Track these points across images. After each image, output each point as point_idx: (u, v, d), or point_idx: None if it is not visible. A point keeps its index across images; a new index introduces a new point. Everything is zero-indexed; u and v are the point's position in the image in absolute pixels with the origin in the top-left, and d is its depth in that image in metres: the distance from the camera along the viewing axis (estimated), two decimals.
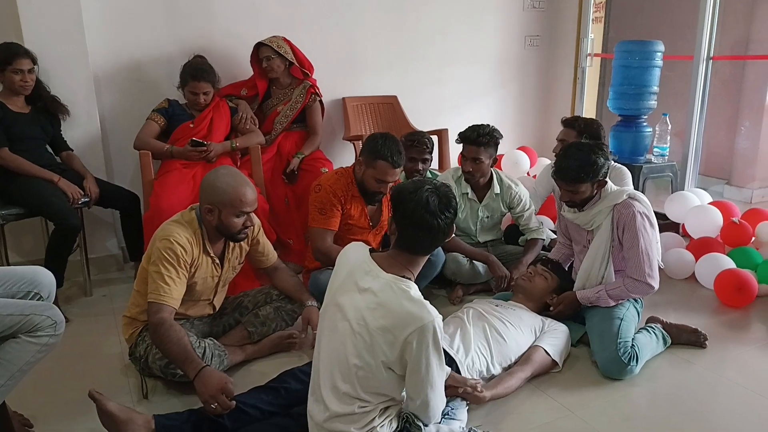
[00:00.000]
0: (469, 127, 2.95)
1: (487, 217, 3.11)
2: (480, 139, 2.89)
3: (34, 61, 2.83)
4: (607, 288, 2.39)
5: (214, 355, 2.17)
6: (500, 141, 2.98)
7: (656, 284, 2.38)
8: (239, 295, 2.54)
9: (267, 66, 3.40)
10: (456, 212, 1.67)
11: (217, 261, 2.25)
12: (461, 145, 2.97)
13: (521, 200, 3.07)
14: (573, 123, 3.00)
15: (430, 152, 3.17)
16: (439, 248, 2.75)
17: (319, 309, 2.33)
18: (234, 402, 1.85)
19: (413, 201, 1.61)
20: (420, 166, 3.12)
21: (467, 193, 3.06)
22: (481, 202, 3.07)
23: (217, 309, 2.42)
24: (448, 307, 2.87)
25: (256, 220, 2.35)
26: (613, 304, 2.40)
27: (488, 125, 2.94)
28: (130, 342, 2.24)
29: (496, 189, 3.05)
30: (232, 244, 2.30)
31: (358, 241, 2.72)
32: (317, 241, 2.69)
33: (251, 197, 2.14)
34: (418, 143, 3.10)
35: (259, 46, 3.40)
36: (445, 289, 3.07)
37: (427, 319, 1.53)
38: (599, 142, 2.49)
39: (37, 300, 1.81)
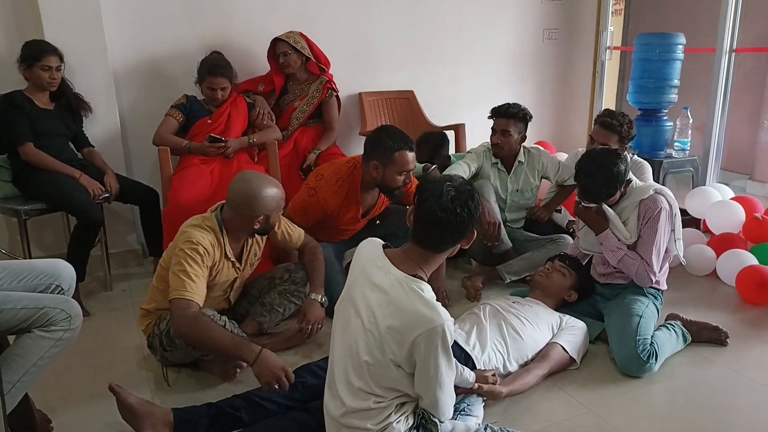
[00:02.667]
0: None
1: (517, 190, 3.15)
2: (509, 110, 3.02)
3: (61, 58, 2.87)
4: (627, 253, 2.39)
5: (233, 332, 2.17)
6: (530, 119, 3.09)
7: (655, 279, 2.41)
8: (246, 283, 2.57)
9: (284, 61, 3.40)
10: (472, 214, 1.62)
11: (238, 264, 2.28)
12: (493, 121, 3.08)
13: (552, 167, 3.16)
14: (617, 128, 2.81)
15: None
16: None
17: (321, 303, 2.38)
18: (291, 381, 1.91)
19: (429, 191, 1.61)
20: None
21: (497, 163, 3.15)
22: (509, 174, 3.14)
23: (232, 303, 2.44)
24: (465, 304, 2.86)
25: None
26: (614, 262, 2.41)
27: (518, 103, 3.08)
28: (147, 332, 2.27)
29: (522, 158, 3.14)
30: (250, 242, 2.33)
31: (344, 228, 2.81)
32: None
33: (283, 193, 2.27)
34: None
35: (276, 41, 3.40)
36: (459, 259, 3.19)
37: (437, 321, 1.51)
38: (614, 149, 2.46)
39: (58, 292, 1.81)
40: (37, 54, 2.80)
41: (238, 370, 2.12)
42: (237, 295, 2.45)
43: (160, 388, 2.19)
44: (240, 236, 2.25)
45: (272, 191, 2.19)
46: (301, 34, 3.45)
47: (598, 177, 2.32)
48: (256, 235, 2.30)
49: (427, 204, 1.59)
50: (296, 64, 3.43)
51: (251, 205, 2.15)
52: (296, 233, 2.50)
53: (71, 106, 2.98)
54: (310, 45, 3.47)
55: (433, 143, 3.60)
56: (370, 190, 2.78)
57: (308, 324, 2.37)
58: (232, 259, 2.24)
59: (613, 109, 3.42)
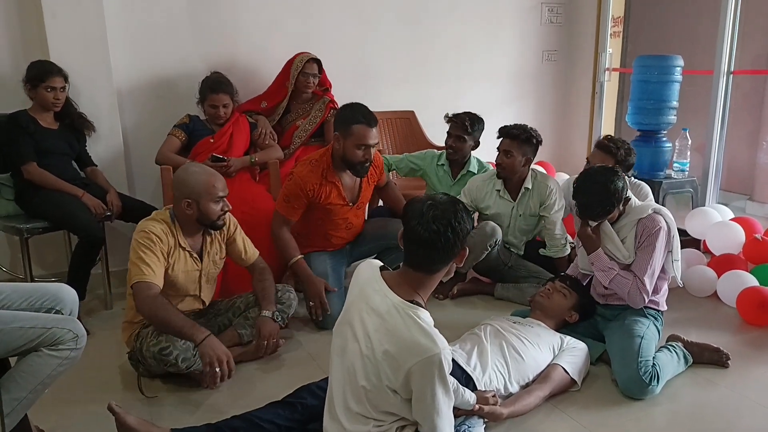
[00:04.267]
0: None
1: (521, 215, 3.14)
2: (512, 132, 3.00)
3: (65, 79, 2.89)
4: (620, 273, 2.39)
5: None
6: (538, 143, 3.04)
7: (647, 300, 2.39)
8: (234, 297, 2.62)
9: (308, 82, 3.42)
10: (458, 233, 1.57)
11: (195, 255, 2.36)
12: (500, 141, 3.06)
13: (553, 198, 3.08)
14: (614, 151, 2.84)
15: (467, 132, 3.27)
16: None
17: (273, 318, 2.43)
18: (232, 373, 2.06)
19: (411, 212, 1.59)
20: (452, 143, 3.30)
21: (499, 190, 3.13)
22: (515, 200, 3.12)
23: (207, 304, 2.51)
24: (461, 320, 2.85)
25: (233, 220, 2.48)
26: (605, 282, 2.40)
27: (528, 125, 3.04)
28: (129, 344, 2.34)
29: (528, 184, 3.10)
30: (210, 238, 2.41)
31: (338, 220, 2.87)
32: (275, 224, 2.81)
33: (222, 183, 2.33)
34: (455, 118, 3.30)
35: (307, 61, 3.40)
36: None
37: (433, 351, 1.49)
38: (610, 167, 2.47)
39: None
40: (41, 75, 2.82)
41: (217, 369, 2.07)
42: (209, 295, 2.51)
43: (159, 408, 2.18)
44: (190, 228, 2.34)
45: (198, 176, 2.28)
46: None
47: (594, 194, 2.33)
48: (208, 229, 2.37)
49: (411, 225, 1.57)
50: (315, 87, 3.47)
51: (178, 188, 2.28)
52: (250, 252, 2.56)
53: (75, 125, 3.01)
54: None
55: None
56: (345, 170, 2.82)
57: (263, 340, 2.40)
58: (187, 249, 2.32)
59: (612, 133, 3.45)
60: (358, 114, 2.66)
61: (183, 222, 2.32)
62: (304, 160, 2.85)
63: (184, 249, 2.32)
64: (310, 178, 2.74)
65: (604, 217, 2.38)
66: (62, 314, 1.83)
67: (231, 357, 2.08)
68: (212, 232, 2.41)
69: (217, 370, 2.02)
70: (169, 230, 2.29)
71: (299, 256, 2.77)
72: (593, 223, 2.43)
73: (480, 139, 3.36)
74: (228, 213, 2.38)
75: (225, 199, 2.33)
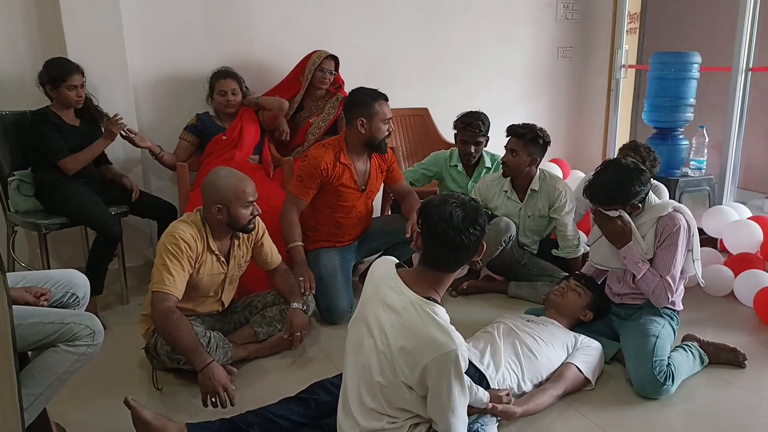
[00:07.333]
0: None
1: (529, 216, 3.13)
2: (518, 131, 2.99)
3: (83, 74, 2.92)
4: (650, 268, 2.36)
5: (219, 347, 2.28)
6: (546, 143, 3.02)
7: (671, 299, 2.37)
8: (251, 295, 2.64)
9: (324, 78, 3.44)
10: (484, 230, 1.62)
11: (222, 259, 2.36)
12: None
13: (562, 200, 3.06)
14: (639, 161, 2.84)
15: (483, 135, 3.30)
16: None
17: (304, 310, 2.48)
18: (233, 402, 2.00)
19: (437, 214, 1.58)
20: (472, 149, 3.31)
21: (506, 191, 3.12)
22: (522, 201, 3.11)
23: (225, 306, 2.52)
24: (474, 318, 2.85)
25: (262, 224, 2.48)
26: (638, 275, 2.36)
27: (536, 125, 3.03)
28: (146, 337, 2.35)
29: (535, 186, 3.08)
30: (237, 242, 2.41)
31: (348, 207, 2.90)
32: (286, 204, 2.84)
33: (252, 187, 2.32)
34: (470, 126, 3.26)
35: (324, 57, 3.42)
36: None
37: (450, 347, 1.50)
38: (641, 168, 2.42)
39: (74, 301, 1.90)
40: (63, 74, 2.84)
41: (214, 399, 2.04)
42: (229, 297, 2.52)
43: (174, 402, 2.21)
44: (220, 231, 2.33)
45: (228, 180, 2.26)
46: None
47: (618, 174, 2.30)
48: (238, 233, 2.38)
49: (439, 227, 1.57)
50: (329, 84, 3.49)
51: (208, 193, 2.27)
52: (275, 256, 2.60)
53: (94, 119, 3.04)
54: None
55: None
56: (358, 155, 2.89)
57: (296, 331, 2.44)
58: (216, 253, 2.32)
59: (628, 132, 3.42)
60: (373, 94, 2.79)
61: (213, 226, 2.32)
62: (318, 144, 2.93)
63: (212, 252, 2.32)
64: (325, 157, 2.80)
65: (634, 198, 2.32)
66: (77, 297, 1.89)
67: (230, 386, 2.03)
68: (240, 235, 2.41)
69: (214, 400, 2.00)
70: (199, 234, 2.28)
71: (299, 243, 2.81)
72: (616, 213, 2.37)
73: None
74: (259, 215, 2.37)
75: (255, 203, 2.32)
